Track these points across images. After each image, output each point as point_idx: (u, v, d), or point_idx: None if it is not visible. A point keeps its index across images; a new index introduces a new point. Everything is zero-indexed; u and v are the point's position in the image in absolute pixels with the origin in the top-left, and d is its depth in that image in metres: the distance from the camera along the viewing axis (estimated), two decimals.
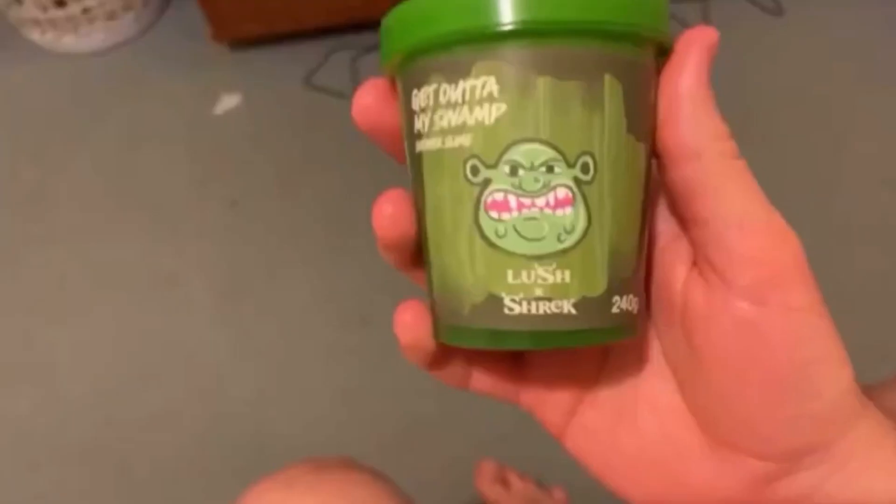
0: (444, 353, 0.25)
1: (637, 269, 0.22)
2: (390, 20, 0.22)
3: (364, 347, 0.95)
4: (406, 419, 0.89)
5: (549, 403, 0.26)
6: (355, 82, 1.23)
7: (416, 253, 0.24)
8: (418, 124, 0.22)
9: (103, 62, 1.31)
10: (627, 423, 0.25)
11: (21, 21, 1.29)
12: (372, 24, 1.27)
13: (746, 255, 0.20)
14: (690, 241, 0.22)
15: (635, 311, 0.22)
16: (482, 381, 0.26)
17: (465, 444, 0.86)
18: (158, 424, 0.93)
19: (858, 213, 1.04)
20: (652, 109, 0.21)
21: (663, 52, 0.22)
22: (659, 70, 0.22)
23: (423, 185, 0.22)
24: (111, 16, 1.30)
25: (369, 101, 0.23)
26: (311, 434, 0.91)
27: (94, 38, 1.31)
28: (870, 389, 0.55)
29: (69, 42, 1.31)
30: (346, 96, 1.21)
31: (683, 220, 0.22)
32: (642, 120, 0.21)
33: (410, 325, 0.23)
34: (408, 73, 0.22)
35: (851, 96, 1.15)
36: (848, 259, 0.99)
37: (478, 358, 0.26)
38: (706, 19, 1.25)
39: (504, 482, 0.78)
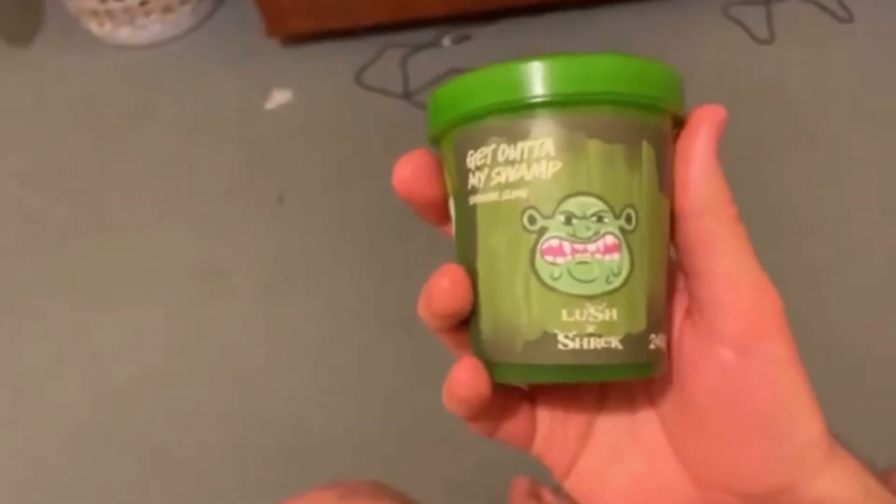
0: (488, 404, 0.26)
1: (666, 311, 0.25)
2: (448, 87, 0.25)
3: (403, 351, 0.94)
4: (441, 428, 0.88)
5: (554, 450, 0.28)
6: (406, 80, 1.22)
7: (463, 320, 0.25)
8: (473, 180, 0.24)
9: (158, 54, 1.33)
10: (620, 462, 0.28)
11: (80, 11, 1.32)
12: (424, 23, 1.26)
13: (733, 308, 0.23)
14: (688, 292, 0.25)
15: (664, 349, 0.25)
16: (506, 430, 0.28)
17: (501, 459, 0.84)
18: (200, 415, 0.93)
19: None
20: (671, 171, 0.25)
21: (678, 123, 0.25)
22: (675, 138, 0.25)
23: (475, 236, 0.24)
24: (168, 9, 1.31)
25: (408, 172, 0.25)
26: (347, 433, 0.90)
27: (150, 30, 1.32)
28: (885, 475, 0.53)
29: (125, 33, 1.32)
30: (396, 94, 1.21)
31: (685, 272, 0.25)
32: (668, 179, 0.24)
33: (469, 381, 0.24)
34: (462, 136, 0.24)
35: None
36: None
37: (508, 408, 0.27)
38: (770, 24, 1.21)
39: (538, 497, 0.77)
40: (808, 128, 1.11)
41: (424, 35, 1.27)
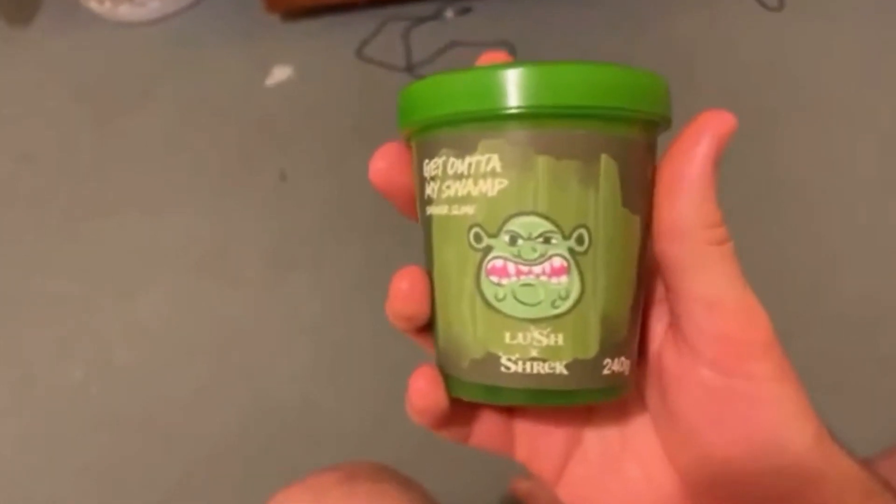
0: (448, 413, 0.25)
1: (630, 333, 0.23)
2: (408, 94, 0.24)
3: None
4: None
5: (540, 457, 0.27)
6: (408, 54, 1.20)
7: (426, 323, 0.25)
8: (428, 190, 0.24)
9: (158, 31, 1.31)
10: (614, 470, 0.26)
11: None
12: None
13: (713, 333, 0.22)
14: (669, 308, 0.24)
15: (626, 373, 0.23)
16: (480, 436, 0.27)
17: None
18: (204, 397, 0.93)
19: None
20: (649, 184, 0.23)
21: (659, 126, 0.23)
22: (654, 142, 0.23)
23: (432, 247, 0.24)
24: None
25: (383, 165, 0.25)
26: (355, 411, 0.90)
27: (149, 7, 1.31)
28: (871, 463, 0.53)
29: (125, 11, 1.31)
30: (398, 68, 1.19)
31: (664, 287, 0.24)
32: (638, 194, 0.22)
33: (425, 391, 0.24)
34: (421, 144, 0.24)
35: None
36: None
37: (476, 415, 0.27)
38: None
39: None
40: (818, 97, 1.09)
41: (426, 7, 1.25)
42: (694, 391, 0.23)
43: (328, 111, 1.17)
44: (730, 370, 0.22)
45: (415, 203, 0.26)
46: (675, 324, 0.23)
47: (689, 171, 0.21)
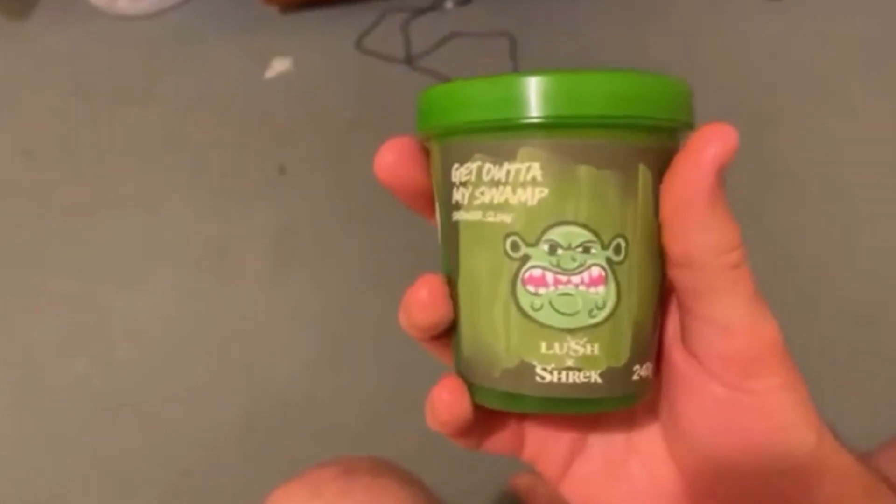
0: (471, 423, 0.25)
1: (653, 337, 0.24)
2: (437, 96, 0.23)
3: None
4: None
5: (547, 457, 0.27)
6: (408, 45, 1.19)
7: (443, 332, 0.24)
8: (457, 195, 0.23)
9: (156, 25, 1.31)
10: (618, 471, 0.26)
11: None
12: None
13: (723, 354, 0.22)
14: (679, 315, 0.24)
15: (651, 376, 0.24)
16: (492, 442, 0.27)
17: None
18: (206, 392, 0.93)
19: None
20: None
21: (690, 129, 0.23)
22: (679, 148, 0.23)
23: (458, 253, 0.23)
24: None
25: (390, 159, 0.24)
26: (356, 407, 0.90)
27: (148, 0, 1.30)
28: (870, 456, 0.53)
29: (124, 5, 1.30)
30: (398, 60, 1.18)
31: (678, 303, 0.24)
32: None
33: (450, 402, 0.24)
34: (448, 148, 0.23)
35: None
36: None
37: (494, 422, 0.27)
38: None
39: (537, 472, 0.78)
40: (818, 88, 1.08)
41: None
42: (700, 400, 0.23)
43: (328, 103, 1.16)
44: (737, 385, 0.22)
45: (420, 198, 0.25)
46: (685, 335, 0.23)
47: (696, 196, 0.20)
